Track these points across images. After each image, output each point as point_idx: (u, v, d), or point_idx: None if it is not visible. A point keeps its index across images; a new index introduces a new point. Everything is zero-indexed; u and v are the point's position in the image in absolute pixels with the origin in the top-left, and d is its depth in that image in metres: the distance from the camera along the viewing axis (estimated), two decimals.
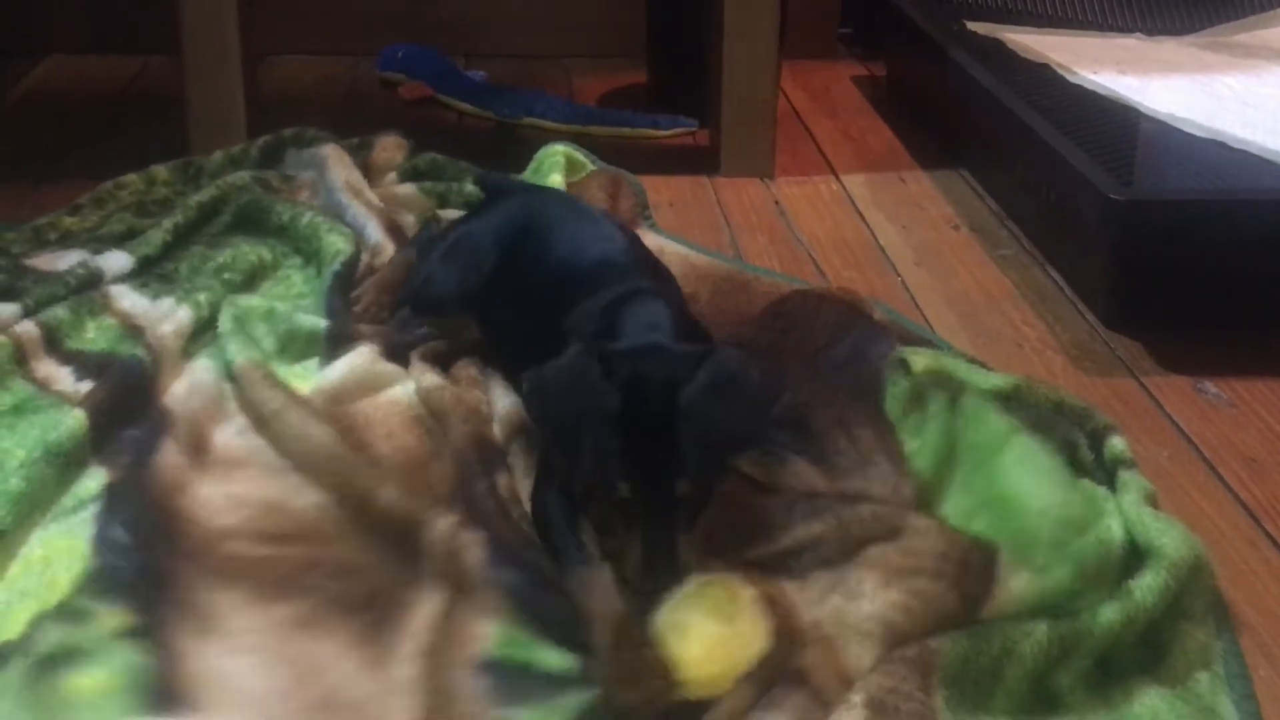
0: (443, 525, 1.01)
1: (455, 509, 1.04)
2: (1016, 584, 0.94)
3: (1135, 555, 1.01)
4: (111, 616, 0.94)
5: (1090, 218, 1.53)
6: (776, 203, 1.87)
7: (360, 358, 1.28)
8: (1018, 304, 1.57)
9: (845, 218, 1.82)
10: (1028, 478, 1.08)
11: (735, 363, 0.99)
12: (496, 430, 1.18)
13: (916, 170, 2.01)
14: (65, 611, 0.94)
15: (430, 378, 1.24)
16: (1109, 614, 0.94)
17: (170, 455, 1.13)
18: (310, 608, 0.97)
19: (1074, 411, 1.20)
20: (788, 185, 1.93)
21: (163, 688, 0.88)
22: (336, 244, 1.48)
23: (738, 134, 1.94)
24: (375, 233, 1.55)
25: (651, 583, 0.93)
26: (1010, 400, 1.21)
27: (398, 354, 1.30)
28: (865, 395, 1.22)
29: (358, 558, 1.02)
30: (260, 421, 1.18)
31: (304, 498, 1.10)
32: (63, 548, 1.02)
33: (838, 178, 1.98)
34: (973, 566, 0.95)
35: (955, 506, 1.09)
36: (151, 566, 1.00)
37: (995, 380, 1.24)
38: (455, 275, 1.32)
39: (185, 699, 0.87)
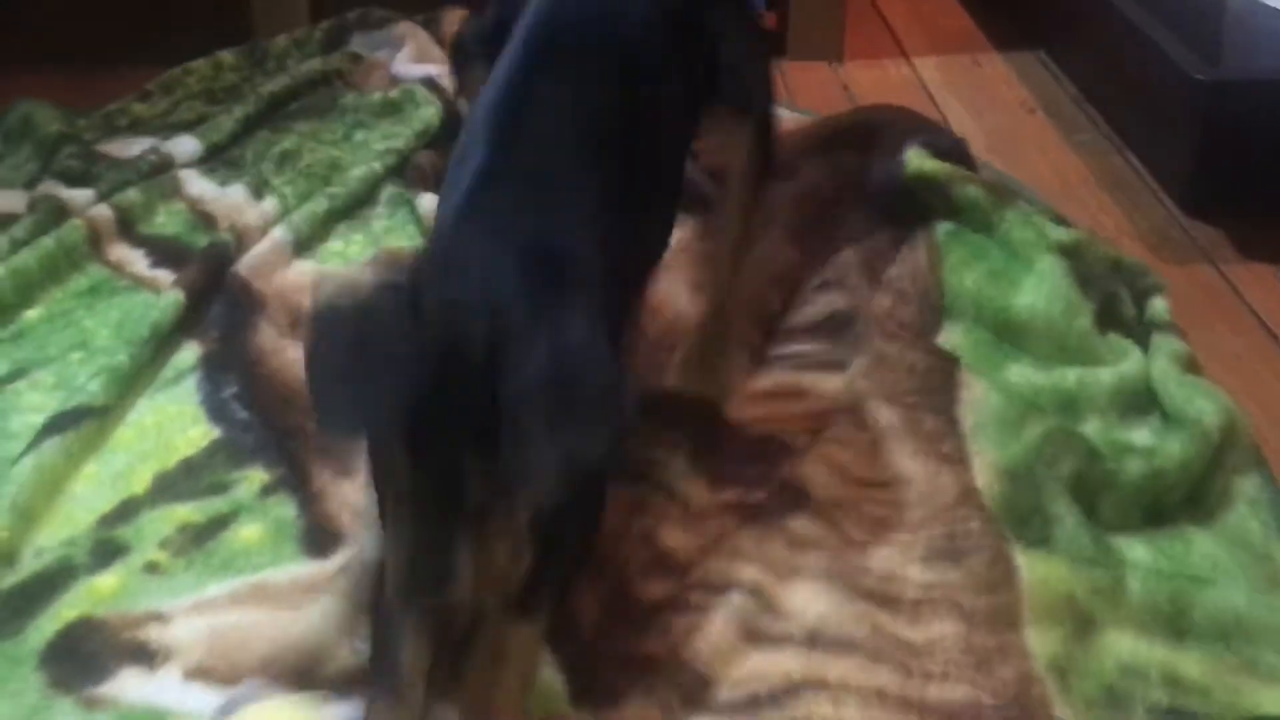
0: None
1: None
2: (980, 388, 1.07)
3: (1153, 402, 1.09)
4: (251, 479, 1.03)
5: (1173, 100, 1.48)
6: (845, 87, 1.83)
7: None
8: (1094, 191, 1.53)
9: (916, 102, 1.78)
10: (1044, 296, 1.17)
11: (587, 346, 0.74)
12: None
13: (991, 52, 1.96)
14: (194, 474, 1.04)
15: None
16: (1143, 462, 1.00)
17: (264, 324, 1.20)
18: None
19: (1129, 269, 1.25)
20: (857, 69, 1.89)
21: (313, 530, 0.98)
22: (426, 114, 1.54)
23: (806, 15, 1.89)
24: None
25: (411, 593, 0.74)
26: (1071, 255, 1.24)
27: None
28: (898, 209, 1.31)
29: None
30: None
31: None
32: (173, 414, 1.11)
33: (909, 60, 1.93)
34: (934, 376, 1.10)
35: (967, 311, 1.20)
36: (277, 425, 1.08)
37: (1060, 234, 1.28)
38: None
39: (334, 537, 0.97)
